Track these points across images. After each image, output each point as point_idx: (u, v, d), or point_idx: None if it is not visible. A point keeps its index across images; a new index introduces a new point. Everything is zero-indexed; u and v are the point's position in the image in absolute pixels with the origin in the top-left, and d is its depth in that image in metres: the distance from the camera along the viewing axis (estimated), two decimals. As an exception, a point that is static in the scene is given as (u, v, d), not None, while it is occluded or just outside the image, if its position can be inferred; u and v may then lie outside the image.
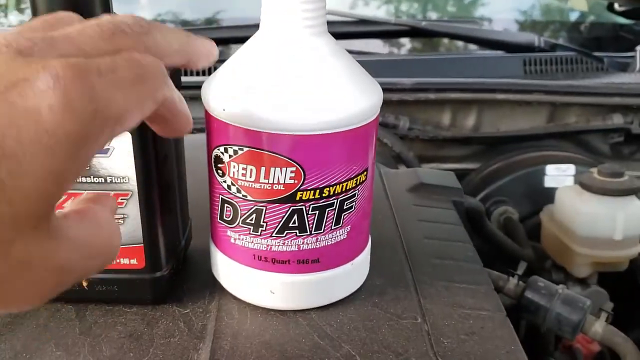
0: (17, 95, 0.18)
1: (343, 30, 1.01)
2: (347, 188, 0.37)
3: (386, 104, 0.38)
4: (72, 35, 0.22)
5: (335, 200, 0.37)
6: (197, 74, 0.92)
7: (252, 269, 0.39)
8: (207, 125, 0.37)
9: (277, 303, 0.39)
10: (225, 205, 0.38)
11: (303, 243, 0.37)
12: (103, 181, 0.36)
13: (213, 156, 0.37)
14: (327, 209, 0.37)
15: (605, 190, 0.68)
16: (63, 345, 0.37)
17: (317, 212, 0.36)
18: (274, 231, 0.37)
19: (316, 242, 0.38)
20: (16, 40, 0.20)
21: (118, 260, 0.38)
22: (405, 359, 0.36)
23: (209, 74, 0.91)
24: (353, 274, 0.41)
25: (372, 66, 0.39)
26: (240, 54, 0.37)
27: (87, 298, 0.40)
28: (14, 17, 1.20)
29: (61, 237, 0.21)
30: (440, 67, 0.99)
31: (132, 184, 0.36)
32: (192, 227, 0.46)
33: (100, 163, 0.36)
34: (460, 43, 1.15)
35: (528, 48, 1.02)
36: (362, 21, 1.05)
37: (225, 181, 0.37)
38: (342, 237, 0.38)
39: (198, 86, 0.38)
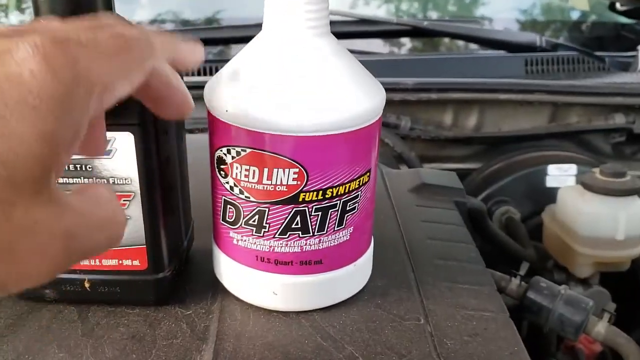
0: None
1: (344, 30, 1.01)
2: (350, 189, 0.37)
3: (388, 104, 0.38)
4: (54, 24, 0.23)
5: (338, 202, 0.37)
6: (200, 74, 0.91)
7: (254, 270, 0.39)
8: (210, 126, 0.37)
9: (279, 304, 0.39)
10: (228, 206, 0.38)
11: (306, 244, 0.37)
12: (105, 182, 0.36)
13: (216, 157, 0.37)
14: (330, 210, 0.37)
15: (607, 190, 0.68)
16: (65, 347, 0.36)
17: (320, 213, 0.36)
18: (276, 232, 0.37)
19: (319, 243, 0.37)
20: None
21: (120, 262, 0.38)
22: (409, 361, 0.36)
23: (212, 74, 0.91)
24: (356, 275, 0.41)
25: (374, 66, 0.39)
26: (243, 55, 0.37)
27: (89, 299, 0.40)
28: (14, 17, 1.20)
29: (64, 204, 0.21)
30: (442, 67, 0.99)
31: (135, 185, 0.36)
32: (194, 228, 0.46)
33: (103, 164, 0.36)
34: (461, 43, 1.15)
35: (530, 48, 1.02)
36: (364, 21, 1.05)
37: (227, 182, 0.37)
38: (345, 238, 0.38)
39: (201, 87, 0.38)
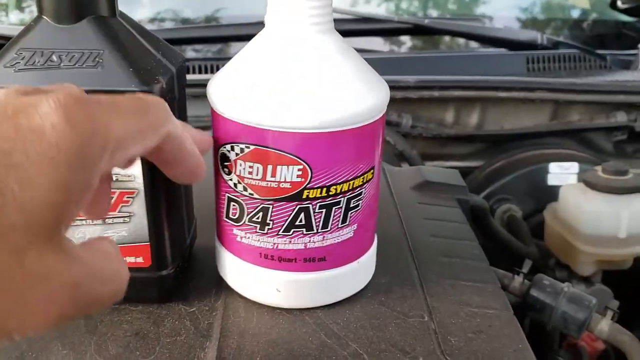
0: (23, 117, 0.20)
1: (346, 28, 1.01)
2: (354, 186, 0.37)
3: (389, 102, 0.38)
4: (76, 87, 0.25)
5: (342, 199, 0.37)
6: (201, 72, 0.91)
7: (258, 267, 0.38)
8: (213, 123, 0.37)
9: (283, 301, 0.39)
10: (232, 203, 0.38)
11: (310, 241, 0.37)
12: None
13: (219, 154, 0.37)
14: (334, 208, 0.37)
15: (609, 188, 0.67)
16: (69, 344, 0.36)
17: (323, 210, 0.36)
18: (280, 229, 0.37)
19: (323, 240, 0.37)
20: (23, 88, 0.23)
21: (124, 259, 0.38)
22: (413, 358, 0.36)
23: (212, 72, 0.91)
24: (359, 272, 0.41)
25: (375, 64, 0.39)
26: (246, 52, 0.37)
27: (92, 297, 0.40)
28: (14, 17, 1.20)
29: (73, 255, 0.22)
30: (443, 65, 0.99)
31: (138, 182, 0.36)
32: (197, 225, 0.46)
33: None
34: (462, 41, 1.14)
35: (531, 46, 1.02)
36: (365, 19, 1.05)
37: (231, 179, 0.37)
38: (349, 236, 0.38)
39: (204, 84, 0.38)
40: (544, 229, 0.76)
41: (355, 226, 0.38)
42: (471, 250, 0.48)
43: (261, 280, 0.39)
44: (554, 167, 0.83)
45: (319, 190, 0.36)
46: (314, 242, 0.37)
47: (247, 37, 0.38)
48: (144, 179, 0.36)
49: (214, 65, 0.92)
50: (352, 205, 0.37)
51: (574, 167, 0.82)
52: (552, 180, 0.82)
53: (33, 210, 0.19)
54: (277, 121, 0.34)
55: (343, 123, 0.34)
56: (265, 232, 0.37)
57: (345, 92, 0.35)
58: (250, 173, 0.36)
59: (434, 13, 1.30)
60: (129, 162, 0.29)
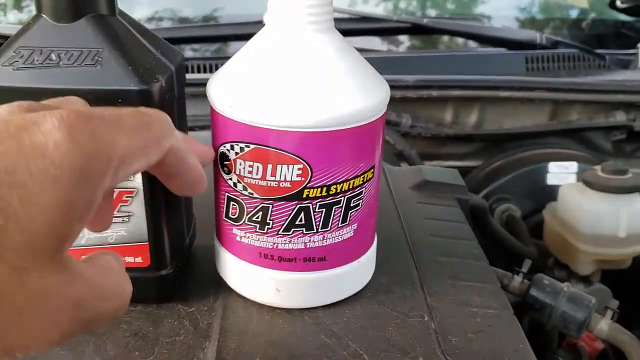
0: (26, 134, 0.20)
1: (344, 27, 1.00)
2: (354, 185, 0.37)
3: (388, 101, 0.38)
4: (80, 103, 0.25)
5: (342, 198, 0.36)
6: (200, 71, 0.91)
7: (258, 267, 0.38)
8: (213, 122, 0.37)
9: (283, 301, 0.39)
10: (231, 203, 0.37)
11: (310, 241, 0.37)
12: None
13: (219, 153, 0.37)
14: (334, 207, 0.36)
15: (609, 188, 0.67)
16: (67, 345, 0.36)
17: (324, 209, 0.36)
18: (280, 229, 0.37)
19: (323, 240, 0.37)
20: (27, 104, 0.23)
21: (123, 259, 0.38)
22: (413, 358, 0.36)
23: (210, 71, 0.90)
24: (359, 272, 0.41)
25: (374, 63, 0.39)
26: (246, 50, 0.37)
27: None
28: (12, 16, 1.19)
29: (75, 272, 0.22)
30: (442, 64, 0.99)
31: (137, 181, 0.36)
32: (196, 224, 0.46)
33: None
34: (461, 40, 1.14)
35: (530, 45, 1.01)
36: (364, 18, 1.05)
37: (231, 179, 0.37)
38: (349, 235, 0.38)
39: (202, 83, 0.38)
40: (543, 228, 0.76)
41: (355, 226, 0.38)
42: (471, 249, 0.48)
43: (261, 280, 0.39)
44: (553, 167, 0.83)
45: (319, 189, 0.35)
46: (314, 242, 0.37)
47: (246, 37, 0.38)
48: (143, 179, 0.36)
49: (213, 64, 0.92)
50: (352, 205, 0.37)
51: (573, 166, 0.82)
52: (551, 180, 0.82)
53: (35, 231, 0.19)
54: (277, 120, 0.34)
55: (343, 122, 0.34)
56: (265, 231, 0.37)
57: (345, 91, 0.35)
58: (250, 172, 0.35)
59: (432, 12, 1.30)
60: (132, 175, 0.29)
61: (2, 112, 0.23)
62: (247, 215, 0.37)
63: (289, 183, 0.35)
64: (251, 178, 0.36)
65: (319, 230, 0.37)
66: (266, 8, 0.37)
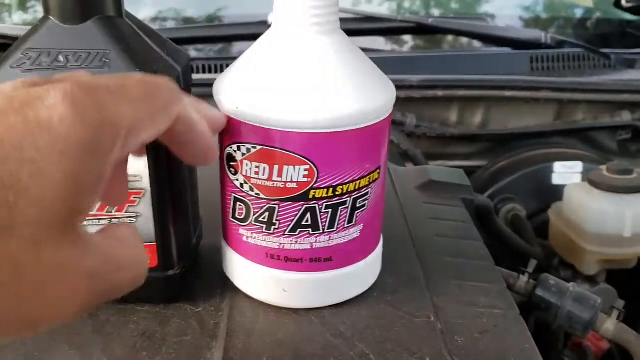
0: (30, 110, 0.20)
1: (348, 27, 1.00)
2: (361, 186, 0.37)
3: (392, 101, 0.38)
4: (84, 74, 0.25)
5: (349, 199, 0.36)
6: (205, 72, 0.91)
7: (264, 267, 0.38)
8: (220, 123, 0.37)
9: (289, 301, 0.39)
10: (238, 203, 0.38)
11: (316, 241, 0.37)
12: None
13: (225, 154, 0.37)
14: (340, 207, 0.37)
15: (614, 188, 0.67)
16: (75, 344, 0.36)
17: (330, 210, 0.36)
18: (286, 229, 0.37)
19: (329, 240, 0.37)
20: (30, 79, 0.23)
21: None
22: (420, 358, 0.36)
23: (215, 72, 0.91)
24: (365, 272, 0.41)
25: (379, 63, 0.39)
26: (252, 51, 0.37)
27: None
28: (17, 17, 1.20)
29: (89, 245, 0.22)
30: (447, 64, 0.98)
31: (145, 182, 0.36)
32: (202, 225, 0.46)
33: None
34: (465, 40, 1.14)
35: (535, 45, 1.01)
36: (368, 18, 1.05)
37: (237, 179, 0.37)
38: (355, 236, 0.38)
39: (210, 84, 0.38)
40: (548, 228, 0.76)
41: (361, 226, 0.38)
42: (477, 250, 0.48)
43: (267, 281, 0.39)
44: (558, 167, 0.83)
45: (325, 190, 0.36)
46: (320, 242, 0.37)
47: (250, 37, 0.38)
48: (150, 180, 0.36)
49: (217, 65, 0.92)
50: (358, 205, 0.37)
51: (578, 166, 0.82)
52: (556, 180, 0.82)
53: (46, 204, 0.19)
54: (284, 121, 0.34)
55: (349, 123, 0.34)
56: (271, 232, 0.37)
57: (352, 92, 0.35)
58: (256, 173, 0.36)
59: (436, 12, 1.30)
60: (142, 148, 0.28)
61: (6, 88, 0.22)
62: (253, 215, 0.37)
63: (295, 184, 0.35)
64: (258, 179, 0.36)
65: (325, 230, 0.37)
66: (271, 8, 0.37)
